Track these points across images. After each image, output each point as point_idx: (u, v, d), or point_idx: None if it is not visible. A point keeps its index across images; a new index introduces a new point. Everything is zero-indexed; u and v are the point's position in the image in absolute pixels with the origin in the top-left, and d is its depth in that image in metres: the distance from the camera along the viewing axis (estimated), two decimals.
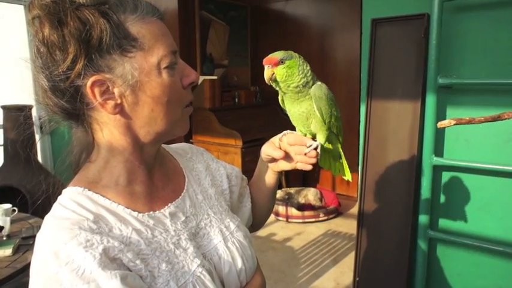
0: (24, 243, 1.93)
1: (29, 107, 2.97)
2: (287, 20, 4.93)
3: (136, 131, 0.70)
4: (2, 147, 3.07)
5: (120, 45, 0.64)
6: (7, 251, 1.82)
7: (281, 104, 0.95)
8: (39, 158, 3.25)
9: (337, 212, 4.17)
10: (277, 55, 0.84)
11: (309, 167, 0.88)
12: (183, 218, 0.75)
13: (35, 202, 2.75)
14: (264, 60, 0.84)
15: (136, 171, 0.72)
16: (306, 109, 0.87)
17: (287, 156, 0.91)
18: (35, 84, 0.67)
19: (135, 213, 0.69)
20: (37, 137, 3.16)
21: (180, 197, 0.78)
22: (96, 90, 0.64)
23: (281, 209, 4.00)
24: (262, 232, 3.71)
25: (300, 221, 3.96)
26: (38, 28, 0.61)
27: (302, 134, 0.92)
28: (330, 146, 0.96)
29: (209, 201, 0.83)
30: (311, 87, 0.87)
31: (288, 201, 4.11)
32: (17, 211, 2.20)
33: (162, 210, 0.73)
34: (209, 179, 0.88)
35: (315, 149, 0.85)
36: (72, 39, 0.61)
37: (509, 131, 1.77)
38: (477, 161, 1.82)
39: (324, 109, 0.85)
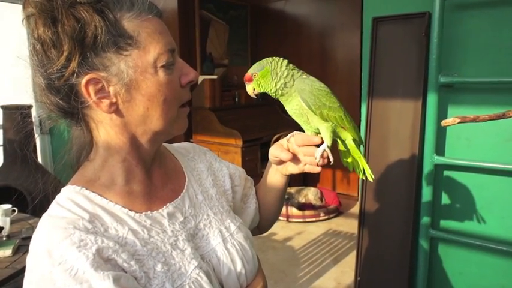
0: (24, 244, 1.92)
1: (28, 107, 2.96)
2: (287, 19, 4.92)
3: (132, 130, 0.69)
4: (1, 147, 3.06)
5: (115, 43, 0.63)
6: (7, 252, 1.81)
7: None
8: (39, 158, 3.25)
9: (338, 212, 4.17)
10: (250, 70, 0.87)
11: (318, 169, 0.86)
12: (181, 219, 0.74)
13: (34, 202, 2.75)
14: (244, 78, 0.88)
15: (134, 171, 0.72)
16: (296, 105, 0.87)
17: (295, 158, 0.88)
18: (34, 83, 0.67)
19: (132, 213, 0.68)
20: (36, 136, 3.16)
21: (180, 197, 0.77)
22: (91, 89, 0.64)
23: None
24: None
25: (301, 220, 3.96)
26: (33, 26, 0.61)
27: (310, 132, 0.90)
28: (340, 144, 0.93)
29: (210, 202, 0.82)
30: (294, 84, 0.86)
31: (288, 200, 4.11)
32: (16, 211, 2.20)
33: (160, 210, 0.72)
34: (211, 179, 0.87)
35: (323, 151, 0.84)
36: (66, 37, 0.60)
37: (510, 130, 1.76)
38: (478, 160, 1.81)
39: (310, 100, 0.84)
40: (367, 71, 2.07)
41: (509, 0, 1.69)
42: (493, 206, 1.85)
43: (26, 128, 2.86)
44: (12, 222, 2.07)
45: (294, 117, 0.90)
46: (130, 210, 0.68)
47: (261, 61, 0.87)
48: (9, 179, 2.88)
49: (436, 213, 1.99)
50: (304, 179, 4.88)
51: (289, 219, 3.97)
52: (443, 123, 0.73)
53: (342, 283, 2.84)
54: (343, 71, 4.60)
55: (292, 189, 4.33)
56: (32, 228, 2.08)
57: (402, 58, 1.97)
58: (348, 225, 3.87)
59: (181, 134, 0.76)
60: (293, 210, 3.97)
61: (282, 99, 0.89)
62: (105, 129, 0.68)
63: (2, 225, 1.99)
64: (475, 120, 0.69)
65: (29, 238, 1.95)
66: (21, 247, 1.90)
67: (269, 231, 1.03)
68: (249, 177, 1.01)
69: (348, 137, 0.91)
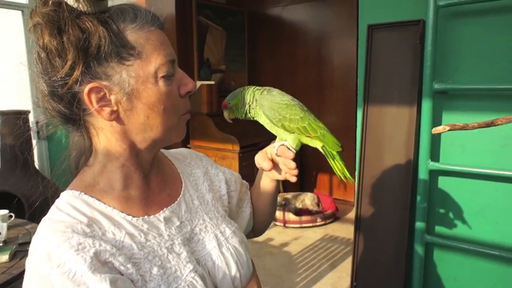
0: (21, 249, 1.92)
1: (26, 112, 2.97)
2: (284, 25, 4.95)
3: (132, 138, 0.71)
4: None
5: (118, 53, 0.65)
6: (3, 257, 1.81)
7: None
8: (36, 164, 3.25)
9: (335, 217, 4.17)
10: (226, 98, 0.97)
11: (294, 179, 0.91)
12: (177, 223, 0.76)
13: (31, 207, 2.74)
14: (221, 104, 0.99)
15: (133, 176, 0.73)
16: (264, 120, 0.94)
17: (278, 167, 0.93)
18: (35, 89, 0.69)
19: (130, 218, 0.70)
20: (34, 142, 3.16)
21: (176, 202, 0.79)
22: (93, 97, 0.65)
23: (278, 214, 4.00)
24: (259, 237, 3.71)
25: (297, 225, 3.96)
26: (39, 35, 0.63)
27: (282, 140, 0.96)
28: (296, 147, 0.97)
29: (205, 207, 0.84)
30: (257, 103, 0.94)
31: (285, 206, 4.12)
32: (13, 217, 2.19)
33: (156, 215, 0.73)
34: (207, 185, 0.89)
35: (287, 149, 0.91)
36: (71, 46, 0.62)
37: (504, 136, 1.78)
38: (473, 165, 1.83)
39: (270, 114, 0.91)
40: (362, 78, 2.09)
41: (502, 8, 1.72)
42: (488, 211, 1.87)
43: (23, 134, 2.87)
44: (9, 227, 2.06)
45: (271, 131, 0.97)
46: (128, 214, 0.70)
47: (235, 91, 0.96)
48: (6, 185, 2.88)
49: (431, 218, 2.01)
50: (301, 185, 4.89)
51: (286, 225, 3.98)
52: (434, 130, 0.74)
53: None
54: (339, 76, 4.63)
55: (289, 195, 4.33)
56: (29, 233, 2.08)
57: (397, 65, 1.99)
58: (345, 230, 3.88)
59: (181, 140, 0.78)
60: (290, 216, 3.97)
61: (256, 119, 0.96)
62: (106, 135, 0.70)
63: None
64: (464, 128, 0.71)
65: (25, 244, 1.95)
66: (18, 253, 1.90)
67: (266, 237, 1.04)
68: (244, 182, 1.03)
69: (317, 144, 0.96)
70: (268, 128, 0.96)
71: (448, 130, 0.71)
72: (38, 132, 3.15)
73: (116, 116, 0.68)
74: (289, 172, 0.90)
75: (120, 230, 0.67)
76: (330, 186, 4.86)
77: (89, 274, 0.58)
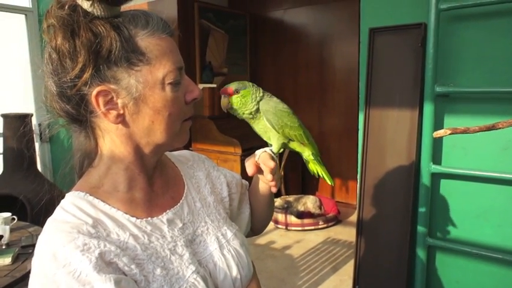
0: (24, 252, 1.93)
1: (29, 115, 2.98)
2: (286, 28, 4.96)
3: (137, 141, 0.72)
4: (1, 156, 3.07)
5: (128, 58, 0.66)
6: (6, 260, 1.81)
7: None
8: (39, 167, 3.26)
9: (337, 220, 4.16)
10: (233, 85, 0.93)
11: (274, 189, 0.94)
12: (180, 225, 0.77)
13: (34, 210, 2.75)
14: (221, 90, 0.94)
15: (137, 179, 0.74)
16: (262, 125, 0.96)
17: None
18: (44, 88, 0.70)
19: (133, 219, 0.71)
20: (37, 145, 3.17)
21: (179, 204, 0.79)
22: (101, 100, 0.66)
23: (280, 216, 3.99)
24: (261, 240, 3.71)
25: (299, 228, 3.96)
26: (52, 36, 0.64)
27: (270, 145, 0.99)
28: (280, 151, 1.02)
29: (207, 209, 0.85)
30: (258, 106, 0.95)
31: (287, 209, 4.11)
32: (16, 220, 2.20)
33: (160, 217, 0.74)
34: (209, 187, 0.90)
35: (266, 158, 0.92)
36: (83, 49, 0.63)
37: (506, 139, 1.78)
38: (475, 168, 1.83)
39: (274, 120, 0.94)
40: (364, 81, 2.10)
41: (503, 12, 1.72)
42: (490, 214, 1.87)
43: (26, 137, 2.88)
44: (11, 230, 2.07)
45: (258, 133, 0.99)
46: (132, 216, 0.71)
47: (241, 81, 0.94)
48: (9, 187, 2.89)
49: (433, 221, 2.00)
50: (303, 187, 4.89)
51: (288, 228, 3.97)
52: (435, 134, 0.75)
53: None
54: (341, 79, 4.63)
55: (291, 198, 4.33)
56: (32, 236, 2.08)
57: (399, 68, 2.00)
58: (347, 233, 3.87)
59: (184, 145, 0.79)
60: (292, 219, 3.97)
61: (249, 119, 0.97)
62: (111, 138, 0.71)
63: (1, 234, 2.00)
64: (465, 131, 0.71)
65: (28, 246, 1.96)
66: (21, 255, 1.90)
67: (268, 240, 1.05)
68: (244, 182, 1.04)
69: (306, 151, 1.02)
70: (259, 133, 0.98)
71: (449, 134, 0.71)
72: (40, 135, 3.17)
73: (121, 120, 0.69)
74: (268, 184, 0.93)
75: (124, 231, 0.68)
76: (332, 189, 4.86)
77: (94, 274, 0.59)
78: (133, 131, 0.70)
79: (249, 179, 1.04)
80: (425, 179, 1.91)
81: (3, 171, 3.04)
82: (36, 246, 0.64)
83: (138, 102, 0.68)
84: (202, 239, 0.79)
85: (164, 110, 0.70)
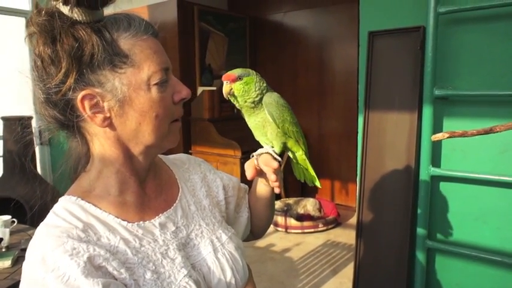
0: (23, 255, 1.91)
1: (29, 118, 2.99)
2: (285, 31, 4.97)
3: (125, 143, 0.72)
4: (1, 158, 3.08)
5: (111, 61, 0.66)
6: (6, 263, 1.82)
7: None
8: (38, 169, 3.26)
9: (336, 222, 4.16)
10: (236, 72, 0.90)
11: (277, 190, 0.93)
12: (173, 228, 0.77)
13: (33, 213, 2.75)
14: (223, 76, 0.90)
15: (128, 182, 0.74)
16: (261, 118, 0.93)
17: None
18: (33, 95, 0.70)
19: (125, 223, 0.71)
20: (36, 148, 3.17)
21: (172, 208, 0.80)
22: (86, 104, 0.67)
23: (280, 219, 3.99)
24: (261, 243, 3.70)
25: (299, 231, 3.96)
26: (35, 43, 0.65)
27: (264, 143, 0.97)
28: (291, 155, 1.01)
29: (202, 212, 0.85)
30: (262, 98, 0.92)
31: (287, 211, 4.11)
32: (16, 222, 2.20)
33: (152, 220, 0.74)
34: (204, 190, 0.90)
35: (267, 155, 0.91)
36: (65, 54, 0.63)
37: (504, 142, 1.79)
38: (474, 171, 1.84)
39: (275, 114, 0.91)
40: (363, 84, 2.10)
41: (502, 15, 1.73)
42: (489, 217, 1.87)
43: (26, 139, 2.89)
44: (11, 233, 2.07)
45: (252, 127, 0.96)
46: (123, 220, 0.71)
47: (244, 69, 0.91)
48: (8, 190, 2.89)
49: (433, 224, 2.01)
50: (302, 190, 4.89)
51: (288, 230, 3.97)
52: (433, 138, 0.75)
53: None
54: (340, 82, 4.64)
55: (290, 200, 4.33)
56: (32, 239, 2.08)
57: (398, 71, 2.00)
58: (347, 236, 3.87)
59: (175, 146, 0.79)
60: (292, 221, 3.97)
61: (246, 111, 0.94)
62: (100, 141, 0.72)
63: (1, 237, 2.00)
64: (463, 135, 0.72)
65: None
66: (20, 258, 1.90)
67: (268, 242, 1.05)
68: (243, 186, 1.04)
69: (299, 150, 1.00)
70: (252, 127, 0.96)
71: (447, 137, 0.72)
72: (40, 138, 3.17)
73: (108, 123, 0.69)
74: (272, 184, 0.91)
75: (115, 235, 0.69)
76: (332, 191, 4.86)
77: (82, 278, 0.60)
78: (121, 134, 0.71)
79: (249, 182, 1.04)
80: (424, 182, 1.92)
81: (2, 174, 3.04)
82: (27, 250, 0.65)
83: (124, 104, 0.68)
84: (196, 242, 0.79)
85: (151, 111, 0.70)
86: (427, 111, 1.87)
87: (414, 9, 1.92)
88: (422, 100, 1.89)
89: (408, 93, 1.97)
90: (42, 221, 0.69)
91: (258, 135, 0.97)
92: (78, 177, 0.75)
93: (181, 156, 0.97)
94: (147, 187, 0.78)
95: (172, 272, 0.71)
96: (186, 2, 4.40)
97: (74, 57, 0.64)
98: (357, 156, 2.17)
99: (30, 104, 0.74)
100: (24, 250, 1.96)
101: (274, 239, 3.84)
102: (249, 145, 4.27)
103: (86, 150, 0.73)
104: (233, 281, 0.79)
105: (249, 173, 0.91)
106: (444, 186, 1.97)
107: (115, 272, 0.64)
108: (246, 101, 0.91)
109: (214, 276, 0.77)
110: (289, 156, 1.03)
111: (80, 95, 0.66)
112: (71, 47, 0.63)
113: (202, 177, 0.92)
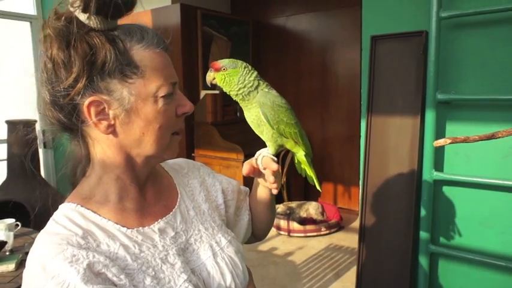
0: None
1: (33, 122, 3.00)
2: (288, 35, 4.98)
3: (127, 151, 0.73)
4: (5, 161, 3.09)
5: (122, 70, 0.67)
6: (10, 266, 1.82)
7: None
8: (42, 173, 3.27)
9: (339, 226, 4.16)
10: (222, 62, 0.88)
11: (275, 191, 0.93)
12: (172, 234, 0.77)
13: (37, 216, 2.76)
14: (211, 63, 0.89)
15: (128, 189, 0.75)
16: (255, 116, 0.92)
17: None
18: (38, 96, 0.71)
19: (124, 229, 0.72)
20: (40, 151, 3.19)
21: (171, 213, 0.80)
22: (93, 110, 0.68)
23: (282, 223, 3.99)
24: (263, 246, 3.70)
25: (302, 235, 3.95)
26: (48, 46, 0.65)
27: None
28: (274, 153, 0.99)
29: (201, 217, 0.85)
30: (256, 95, 0.90)
31: (289, 215, 4.11)
32: (20, 226, 2.21)
33: (151, 226, 0.75)
34: (203, 195, 0.90)
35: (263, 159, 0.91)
36: (78, 60, 0.64)
37: (508, 146, 1.78)
38: (477, 175, 1.83)
39: (270, 115, 0.89)
40: (366, 87, 2.11)
41: (504, 20, 1.73)
42: (492, 221, 1.87)
43: (30, 143, 2.90)
44: (15, 236, 2.08)
45: (249, 123, 0.95)
46: (123, 226, 0.72)
47: (236, 60, 0.89)
48: (12, 193, 2.90)
49: (436, 228, 2.00)
50: (305, 194, 4.88)
51: (291, 234, 3.97)
52: (435, 144, 0.76)
53: None
54: (343, 86, 4.64)
55: (293, 204, 4.33)
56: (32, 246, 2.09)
57: (401, 75, 2.01)
58: (350, 239, 3.86)
59: (174, 158, 0.80)
60: (294, 225, 3.96)
61: (242, 104, 0.93)
62: (102, 147, 0.72)
63: (5, 240, 2.00)
64: (465, 140, 0.72)
65: None
66: (24, 262, 1.90)
67: (270, 246, 1.05)
68: (243, 188, 1.05)
69: (300, 151, 0.98)
70: (250, 123, 0.95)
71: (450, 143, 0.72)
72: (44, 142, 3.19)
73: (112, 130, 0.70)
74: (270, 186, 0.92)
75: (114, 241, 0.69)
76: (335, 195, 4.85)
77: (81, 285, 0.60)
78: (123, 142, 0.72)
79: (250, 185, 1.04)
80: (427, 186, 1.92)
81: (7, 178, 3.05)
82: (28, 258, 0.66)
83: (130, 113, 0.69)
84: (195, 247, 0.80)
85: (155, 122, 0.71)
86: (430, 116, 1.87)
87: (417, 13, 1.93)
88: (425, 104, 1.89)
89: (411, 97, 1.97)
90: (46, 224, 0.70)
91: (257, 132, 0.97)
92: (79, 183, 0.76)
93: (180, 161, 0.97)
94: (146, 193, 0.79)
95: (172, 277, 0.71)
96: (189, 6, 4.42)
97: (86, 63, 0.64)
98: (359, 160, 2.17)
99: (35, 107, 0.75)
100: (28, 254, 1.96)
101: (277, 242, 3.83)
102: (251, 149, 4.27)
103: (87, 154, 0.74)
104: (233, 285, 0.79)
105: (245, 169, 0.92)
106: (447, 191, 1.97)
107: (115, 278, 0.65)
108: (229, 92, 0.90)
109: (214, 280, 0.77)
110: (293, 156, 1.02)
111: (87, 101, 0.67)
112: (85, 53, 0.64)
113: (201, 182, 0.93)
